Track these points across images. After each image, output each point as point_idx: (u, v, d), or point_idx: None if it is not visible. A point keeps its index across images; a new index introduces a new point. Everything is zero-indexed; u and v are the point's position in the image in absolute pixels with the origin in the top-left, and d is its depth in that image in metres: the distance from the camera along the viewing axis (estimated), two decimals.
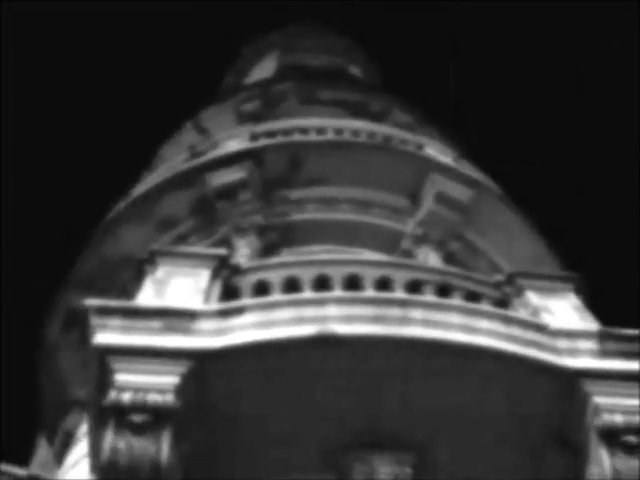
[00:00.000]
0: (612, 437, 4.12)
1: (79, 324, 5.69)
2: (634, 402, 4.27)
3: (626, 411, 4.21)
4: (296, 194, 7.65)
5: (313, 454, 4.33)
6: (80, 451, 5.31)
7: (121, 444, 3.77)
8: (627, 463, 4.07)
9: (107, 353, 3.98)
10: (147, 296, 4.55)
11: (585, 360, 4.41)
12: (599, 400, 4.23)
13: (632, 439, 4.12)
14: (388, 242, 7.55)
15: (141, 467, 3.73)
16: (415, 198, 7.90)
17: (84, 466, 4.36)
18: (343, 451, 4.31)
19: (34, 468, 6.20)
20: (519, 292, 5.23)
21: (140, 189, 7.87)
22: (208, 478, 4.16)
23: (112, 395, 3.85)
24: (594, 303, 5.31)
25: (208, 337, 4.13)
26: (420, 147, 8.57)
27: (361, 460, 4.26)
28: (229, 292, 4.76)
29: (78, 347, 6.69)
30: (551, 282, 5.34)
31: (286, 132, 7.89)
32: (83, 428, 5.51)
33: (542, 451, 4.33)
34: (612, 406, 4.22)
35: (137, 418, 3.80)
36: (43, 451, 6.78)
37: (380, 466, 4.21)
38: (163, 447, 3.78)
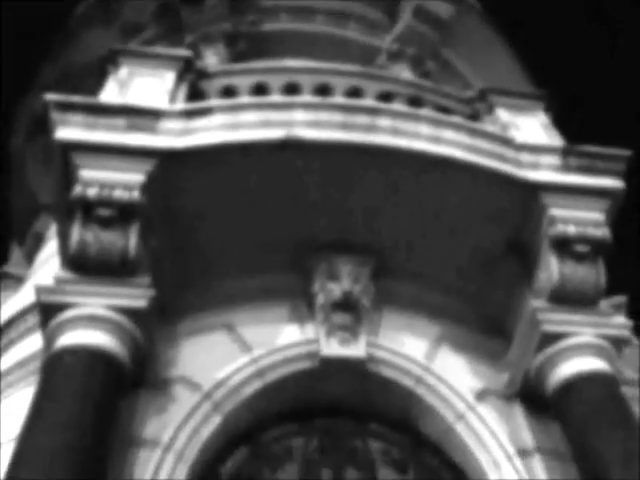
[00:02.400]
0: (564, 246, 4.33)
1: (44, 131, 5.58)
2: (588, 215, 4.44)
3: (580, 223, 4.39)
4: (268, 2, 7.25)
5: (279, 255, 4.49)
6: (50, 250, 5.43)
7: (89, 237, 3.85)
8: (574, 270, 4.32)
9: (70, 149, 3.94)
10: (110, 95, 4.43)
11: (546, 174, 4.50)
12: (555, 212, 4.38)
13: (582, 248, 4.34)
14: (363, 58, 7.30)
15: (110, 259, 3.85)
16: (393, 12, 7.57)
17: (54, 262, 4.47)
18: (308, 253, 4.48)
19: (7, 269, 6.39)
20: (489, 109, 5.23)
21: None
22: (176, 275, 4.32)
23: (78, 190, 3.87)
24: (564, 122, 5.34)
25: (173, 137, 4.09)
26: None
27: (324, 261, 4.44)
28: (195, 95, 4.66)
29: (44, 154, 6.62)
30: (522, 99, 5.31)
31: None
32: (52, 229, 5.60)
33: (496, 258, 4.54)
34: (567, 218, 4.39)
35: (104, 212, 3.85)
36: (16, 255, 6.95)
37: (342, 266, 4.40)
38: (131, 241, 3.87)
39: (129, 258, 3.83)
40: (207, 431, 3.91)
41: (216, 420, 3.97)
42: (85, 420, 3.30)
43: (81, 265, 3.85)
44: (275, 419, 4.28)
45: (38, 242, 6.30)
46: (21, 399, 4.04)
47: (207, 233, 4.34)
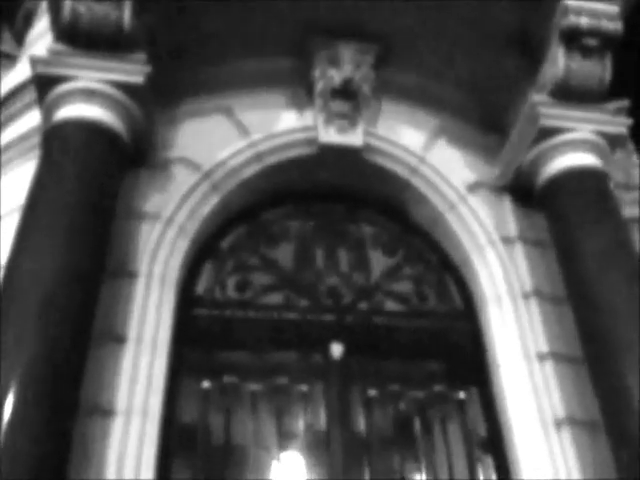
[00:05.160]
0: (573, 39, 4.16)
1: None
2: (603, 7, 4.23)
3: (593, 14, 4.19)
4: None
5: (280, 38, 4.33)
6: (42, 27, 5.22)
7: (81, 8, 3.69)
8: (581, 64, 4.20)
9: None
10: None
11: None
12: (569, 1, 4.18)
13: (592, 42, 4.19)
14: None
15: (104, 32, 3.72)
16: None
17: (48, 38, 4.30)
18: (309, 37, 4.33)
19: None
20: None
21: None
22: (174, 55, 4.20)
23: None
24: None
25: None
26: None
27: (326, 46, 4.31)
28: None
29: None
30: None
31: None
32: (43, 5, 5.36)
33: (502, 49, 4.39)
34: (580, 8, 4.18)
35: None
36: (6, 36, 6.68)
37: (343, 52, 4.28)
38: (125, 14, 3.71)
39: (124, 32, 3.70)
40: (206, 209, 4.05)
41: (215, 199, 4.09)
42: (88, 190, 3.39)
43: (75, 37, 3.73)
44: (273, 202, 4.42)
45: (28, 21, 6.04)
46: (23, 172, 4.11)
47: (204, 10, 4.16)
